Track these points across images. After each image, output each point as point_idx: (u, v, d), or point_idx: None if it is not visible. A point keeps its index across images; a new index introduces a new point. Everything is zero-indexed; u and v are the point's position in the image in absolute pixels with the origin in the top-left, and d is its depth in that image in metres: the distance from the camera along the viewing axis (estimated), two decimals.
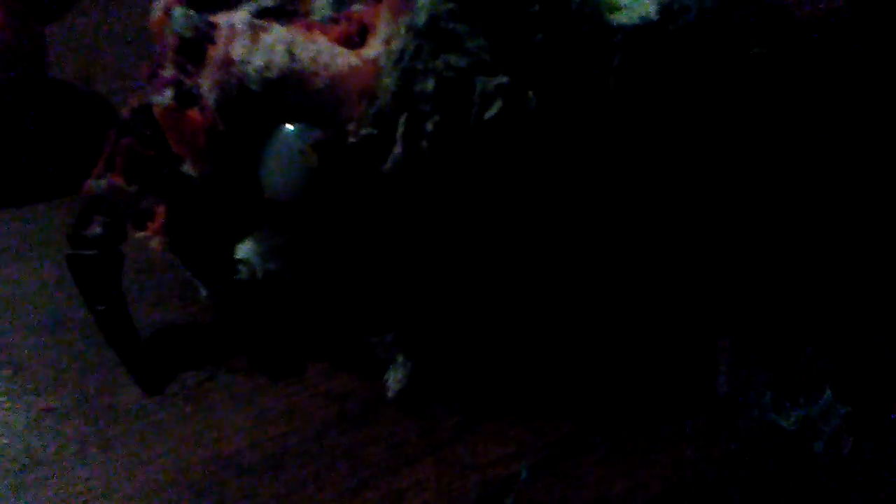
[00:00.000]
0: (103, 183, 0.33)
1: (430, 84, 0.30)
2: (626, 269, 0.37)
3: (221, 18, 0.32)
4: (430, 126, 0.30)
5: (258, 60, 0.31)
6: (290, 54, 0.31)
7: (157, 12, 0.34)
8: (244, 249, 0.33)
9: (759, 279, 0.37)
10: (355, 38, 0.32)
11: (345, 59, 0.30)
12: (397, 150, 0.30)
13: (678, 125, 0.34)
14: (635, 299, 0.37)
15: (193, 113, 0.32)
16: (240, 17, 0.32)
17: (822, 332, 0.36)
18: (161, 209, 0.33)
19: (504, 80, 0.30)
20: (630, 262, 0.36)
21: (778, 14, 0.33)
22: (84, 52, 0.53)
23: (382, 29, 0.31)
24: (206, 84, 0.31)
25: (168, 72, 0.33)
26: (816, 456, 0.32)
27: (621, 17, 0.33)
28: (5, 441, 0.33)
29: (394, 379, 0.34)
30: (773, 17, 0.33)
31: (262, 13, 0.33)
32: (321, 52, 0.31)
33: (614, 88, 0.33)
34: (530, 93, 0.31)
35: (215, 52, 0.31)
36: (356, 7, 0.33)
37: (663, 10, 0.33)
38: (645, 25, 0.33)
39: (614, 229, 0.36)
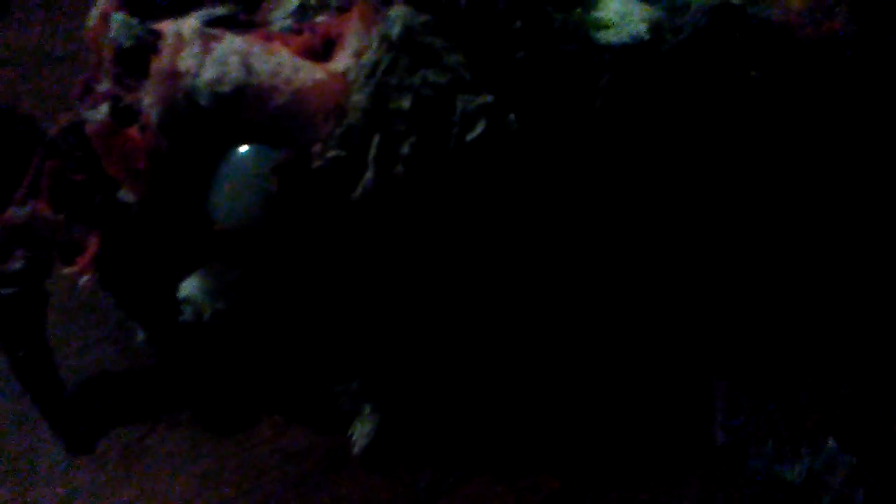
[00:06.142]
0: (26, 210, 0.31)
1: (406, 101, 0.28)
2: (615, 307, 0.35)
3: (167, 26, 0.30)
4: (405, 148, 0.28)
5: (209, 73, 0.29)
6: (247, 66, 0.29)
7: (93, 19, 0.32)
8: (189, 287, 0.31)
9: (755, 318, 0.36)
10: (320, 51, 0.30)
11: (309, 72, 0.28)
12: (369, 175, 0.28)
13: (668, 151, 0.33)
14: (624, 341, 0.35)
15: (132, 131, 0.29)
16: (188, 24, 0.30)
17: (821, 375, 0.35)
18: (92, 241, 0.31)
19: (488, 99, 0.29)
20: (619, 298, 0.35)
21: (777, 35, 0.31)
22: (11, 70, 0.51)
23: (352, 40, 0.28)
24: (148, 99, 0.29)
25: (104, 85, 0.30)
26: None
27: (609, 36, 0.32)
28: None
29: (360, 433, 0.32)
30: (771, 38, 0.32)
31: (214, 23, 0.31)
32: (282, 64, 0.29)
33: (601, 111, 0.31)
34: (511, 115, 0.30)
35: (160, 63, 0.29)
36: (321, 18, 0.31)
37: (655, 28, 0.32)
38: (635, 45, 0.31)
39: (600, 263, 0.34)
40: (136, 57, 0.29)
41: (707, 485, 0.31)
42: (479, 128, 0.28)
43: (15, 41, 0.53)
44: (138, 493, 0.31)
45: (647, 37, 0.31)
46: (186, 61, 0.29)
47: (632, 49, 0.31)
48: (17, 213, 0.31)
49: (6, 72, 0.50)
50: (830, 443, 0.32)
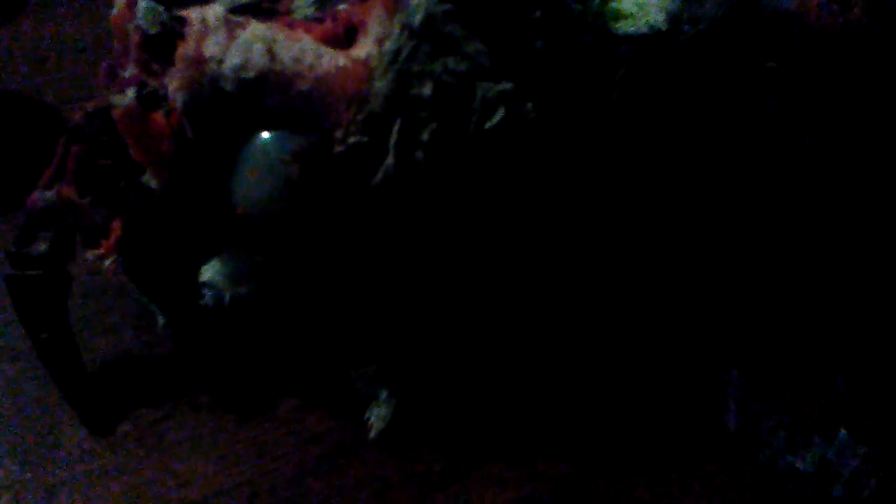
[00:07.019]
0: (51, 194, 0.31)
1: (427, 89, 0.28)
2: (630, 297, 0.35)
3: (192, 13, 0.30)
4: (426, 135, 0.28)
5: (234, 59, 0.29)
6: (270, 53, 0.28)
7: (119, 6, 0.31)
8: (210, 271, 0.31)
9: (768, 308, 0.36)
10: (342, 38, 0.30)
11: (332, 59, 0.28)
12: (389, 160, 0.28)
13: (684, 141, 0.33)
14: (638, 330, 0.35)
15: (158, 116, 0.29)
16: (213, 11, 0.30)
17: (833, 365, 0.34)
18: (116, 224, 0.31)
19: (507, 86, 0.29)
20: (633, 288, 0.34)
21: (793, 25, 0.31)
22: (33, 60, 0.51)
23: (375, 28, 0.28)
24: (173, 84, 0.29)
25: (130, 71, 0.30)
26: (836, 500, 0.31)
27: (627, 26, 0.31)
28: None
29: (376, 417, 0.32)
30: (787, 28, 0.31)
31: (239, 10, 0.31)
32: (305, 51, 0.28)
33: (618, 101, 0.31)
34: (529, 104, 0.29)
35: (185, 49, 0.29)
36: (343, 6, 0.31)
37: (672, 18, 0.31)
38: (652, 35, 0.31)
39: (617, 252, 0.34)
40: (162, 43, 0.29)
41: (719, 473, 0.31)
42: (499, 115, 0.28)
43: (34, 33, 0.54)
44: (158, 474, 0.31)
45: (664, 27, 0.31)
46: (211, 48, 0.28)
47: (649, 39, 0.31)
48: (42, 196, 0.31)
49: (27, 63, 0.51)
50: (842, 432, 0.32)
